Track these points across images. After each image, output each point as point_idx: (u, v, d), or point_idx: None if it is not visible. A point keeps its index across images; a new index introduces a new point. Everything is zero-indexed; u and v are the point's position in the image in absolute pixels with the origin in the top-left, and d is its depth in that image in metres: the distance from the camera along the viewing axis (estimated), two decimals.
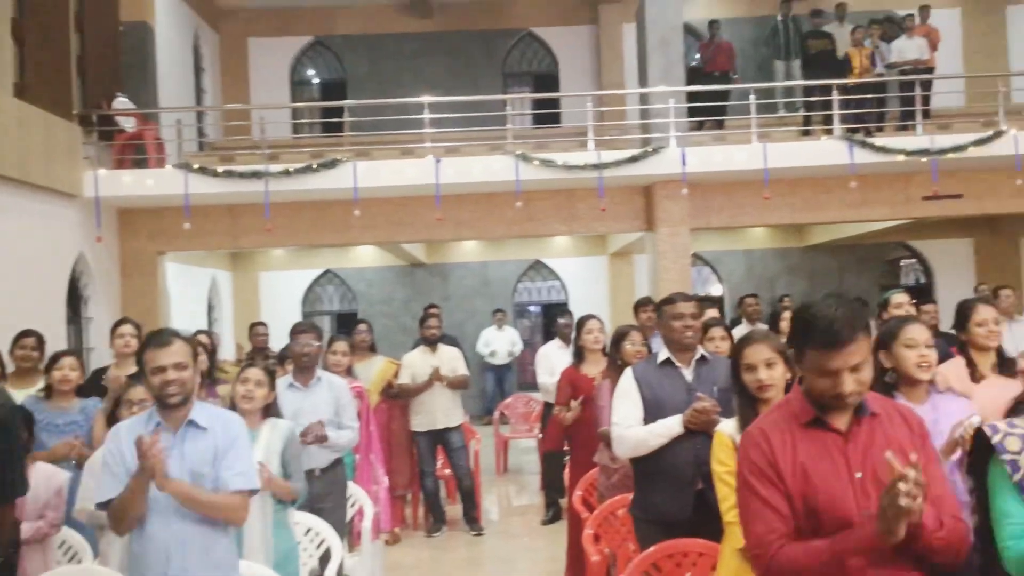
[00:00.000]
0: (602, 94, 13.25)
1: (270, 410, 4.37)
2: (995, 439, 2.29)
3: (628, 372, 4.29)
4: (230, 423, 3.40)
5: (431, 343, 7.98)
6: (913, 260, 16.26)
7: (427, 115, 10.91)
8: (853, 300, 2.41)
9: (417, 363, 7.88)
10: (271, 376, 4.43)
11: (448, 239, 13.37)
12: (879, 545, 2.16)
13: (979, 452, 2.35)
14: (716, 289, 16.13)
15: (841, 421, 2.40)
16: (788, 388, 3.34)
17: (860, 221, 12.32)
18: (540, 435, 9.19)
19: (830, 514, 2.30)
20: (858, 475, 2.34)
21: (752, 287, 14.50)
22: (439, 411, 7.82)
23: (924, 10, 13.07)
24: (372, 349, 7.99)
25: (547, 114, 14.59)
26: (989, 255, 15.38)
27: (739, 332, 8.31)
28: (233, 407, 4.23)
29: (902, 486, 2.04)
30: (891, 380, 3.40)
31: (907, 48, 12.34)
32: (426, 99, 11.17)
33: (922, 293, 14.87)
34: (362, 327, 8.04)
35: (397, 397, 7.89)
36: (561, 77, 16.54)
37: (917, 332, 3.36)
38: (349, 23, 16.28)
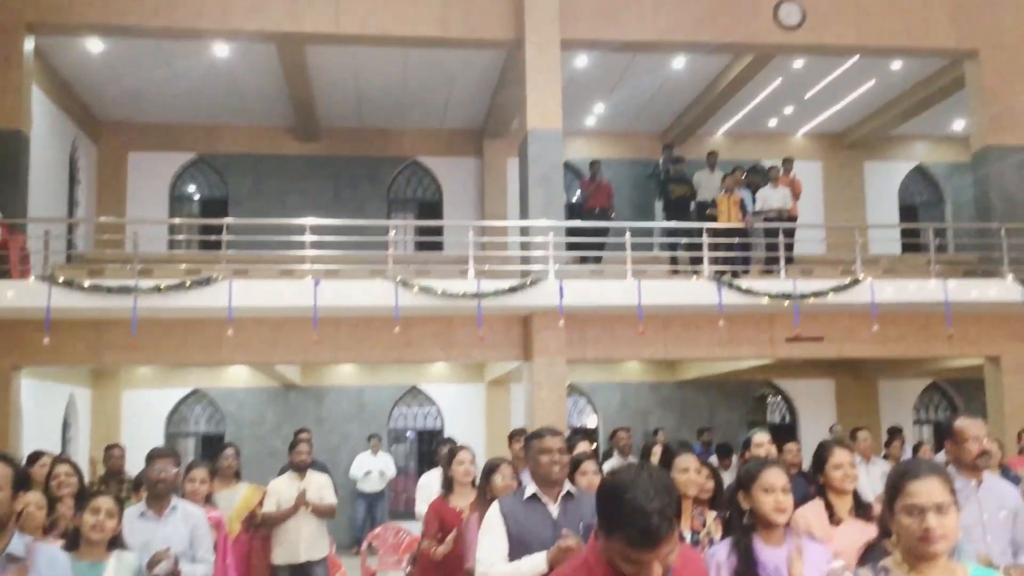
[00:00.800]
0: (484, 224, 13.50)
1: (116, 541, 4.12)
2: None
3: (494, 506, 4.23)
4: (54, 560, 3.16)
5: (300, 469, 7.71)
6: (779, 398, 16.80)
7: (308, 237, 10.88)
8: (665, 479, 2.25)
9: (283, 490, 7.57)
10: (121, 506, 4.21)
11: (325, 362, 13.16)
12: None
13: None
14: (592, 420, 16.25)
15: None
16: None
17: (728, 359, 12.70)
18: (409, 568, 8.91)
19: None
20: None
21: (626, 419, 14.69)
22: (303, 541, 7.49)
23: (788, 162, 13.92)
24: (237, 476, 7.68)
25: (429, 241, 14.74)
26: (849, 396, 16.03)
27: (610, 465, 8.38)
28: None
29: None
30: (749, 522, 3.46)
31: (772, 197, 13.06)
32: (308, 220, 11.14)
33: (786, 431, 15.34)
34: (229, 452, 7.73)
35: (260, 527, 7.55)
36: (445, 205, 16.81)
37: (774, 477, 3.44)
38: (233, 142, 16.25)
